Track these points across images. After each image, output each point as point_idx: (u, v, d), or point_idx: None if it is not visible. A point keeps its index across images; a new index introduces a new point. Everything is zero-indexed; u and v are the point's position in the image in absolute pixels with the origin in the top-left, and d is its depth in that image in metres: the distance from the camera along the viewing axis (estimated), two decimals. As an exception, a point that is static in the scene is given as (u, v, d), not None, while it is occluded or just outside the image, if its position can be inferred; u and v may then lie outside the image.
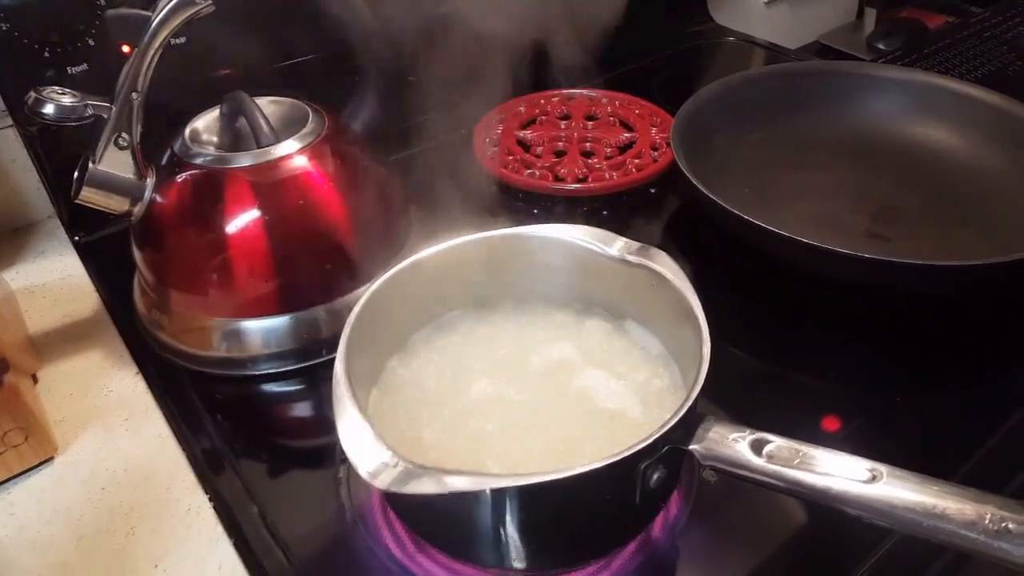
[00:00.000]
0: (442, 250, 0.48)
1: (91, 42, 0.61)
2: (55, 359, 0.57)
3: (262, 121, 0.54)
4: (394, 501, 0.45)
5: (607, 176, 0.73)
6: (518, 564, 0.41)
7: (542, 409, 0.45)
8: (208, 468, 0.49)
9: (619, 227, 0.69)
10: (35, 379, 0.55)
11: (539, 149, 0.77)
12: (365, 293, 0.44)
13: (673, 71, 0.95)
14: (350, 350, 0.41)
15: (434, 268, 0.48)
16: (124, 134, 0.52)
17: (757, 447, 0.36)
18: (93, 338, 0.59)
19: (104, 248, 0.68)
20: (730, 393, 0.52)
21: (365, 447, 0.36)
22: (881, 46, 1.09)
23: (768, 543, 0.44)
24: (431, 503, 0.40)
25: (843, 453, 0.35)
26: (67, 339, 0.59)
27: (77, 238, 0.69)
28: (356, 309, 0.43)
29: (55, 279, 0.66)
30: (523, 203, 0.72)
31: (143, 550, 0.44)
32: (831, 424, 0.50)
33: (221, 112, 0.57)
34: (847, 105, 0.78)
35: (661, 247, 0.48)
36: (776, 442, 0.36)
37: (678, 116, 0.70)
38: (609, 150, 0.77)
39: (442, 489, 0.34)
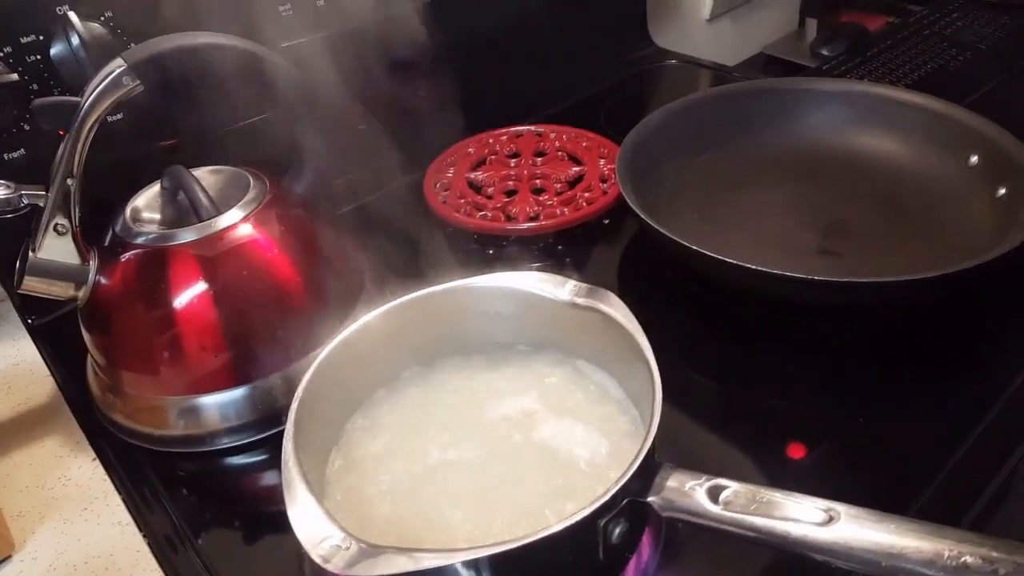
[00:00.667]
0: (388, 311, 0.48)
1: (26, 127, 0.60)
2: (10, 451, 0.56)
3: (201, 195, 0.53)
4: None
5: (558, 212, 0.73)
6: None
7: (502, 465, 0.45)
8: (170, 552, 0.48)
9: (574, 261, 0.70)
10: (-10, 474, 0.54)
11: (490, 190, 0.77)
12: (312, 364, 0.44)
13: (618, 99, 0.96)
14: (299, 427, 0.41)
15: (383, 329, 0.48)
16: (62, 220, 0.51)
17: (714, 494, 0.36)
18: (49, 425, 0.58)
19: (58, 330, 0.67)
20: (691, 423, 0.53)
21: (317, 529, 0.35)
22: (825, 52, 1.12)
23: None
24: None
25: (800, 495, 0.35)
26: (22, 428, 0.58)
27: (30, 321, 0.68)
28: (302, 383, 0.43)
29: (9, 365, 0.64)
30: (477, 245, 0.72)
31: (107, 648, 0.43)
32: (796, 451, 0.50)
33: (161, 187, 0.57)
34: (791, 121, 0.79)
35: (619, 277, 0.48)
36: (732, 487, 0.36)
37: (622, 148, 0.70)
38: (559, 185, 0.77)
39: (396, 568, 0.33)
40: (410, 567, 0.33)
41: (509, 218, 0.73)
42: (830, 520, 0.34)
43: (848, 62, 1.04)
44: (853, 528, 0.33)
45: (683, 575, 0.44)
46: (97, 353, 0.56)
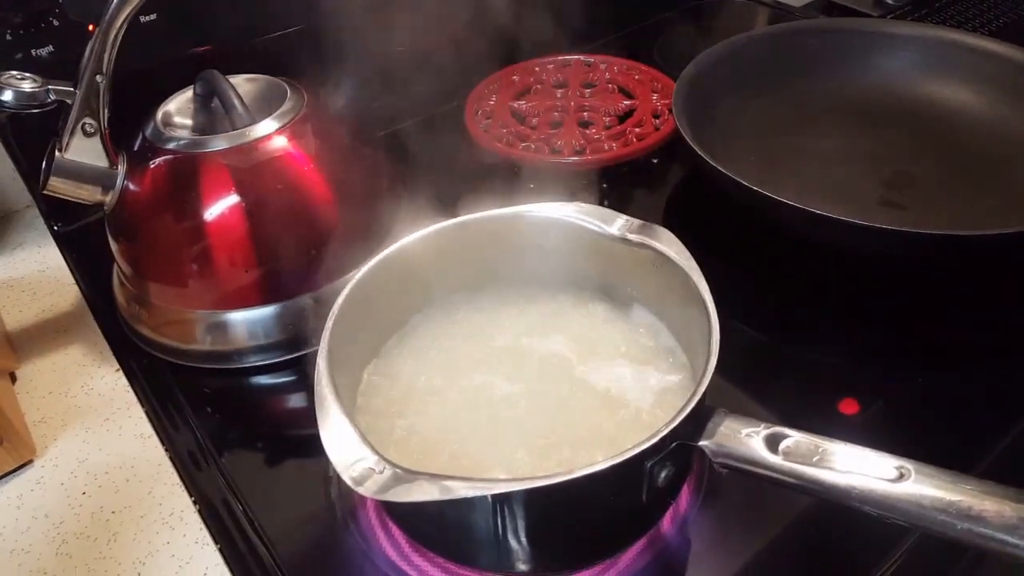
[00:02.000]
0: (428, 235, 0.45)
1: (55, 22, 0.57)
2: (34, 356, 0.55)
3: (236, 101, 0.51)
4: (387, 504, 0.43)
5: (606, 147, 0.69)
6: (521, 567, 0.38)
7: (540, 403, 0.43)
8: (192, 468, 0.47)
9: (620, 201, 0.67)
10: (13, 378, 0.53)
11: (534, 120, 0.74)
12: (347, 284, 0.41)
13: (674, 33, 0.91)
14: (333, 345, 0.39)
15: (420, 255, 0.45)
16: (90, 120, 0.48)
17: (772, 443, 0.34)
18: (73, 333, 0.57)
19: (84, 238, 0.65)
20: (742, 376, 0.50)
21: (349, 451, 0.33)
22: (890, 1, 1.05)
23: (783, 538, 0.41)
24: (423, 507, 0.38)
25: (866, 449, 0.32)
26: (46, 335, 0.57)
27: (56, 227, 0.67)
28: (339, 301, 0.41)
29: (34, 271, 0.63)
30: (518, 178, 0.69)
31: (125, 556, 0.42)
32: (849, 407, 0.47)
33: (194, 93, 0.54)
34: (857, 65, 0.74)
35: (665, 221, 0.45)
36: (794, 437, 0.33)
37: (680, 81, 0.66)
38: (608, 119, 0.73)
39: (429, 496, 0.31)
40: (445, 496, 0.31)
41: (553, 151, 0.70)
42: (901, 477, 0.31)
43: (914, 12, 0.98)
44: (926, 486, 0.30)
45: (720, 529, 0.42)
46: (124, 262, 0.54)
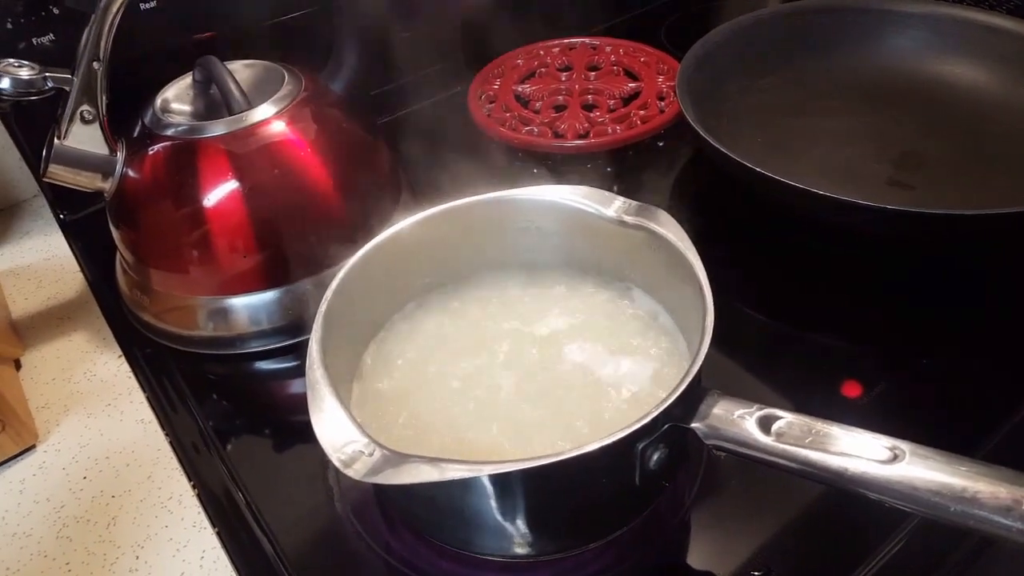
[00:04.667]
0: (422, 220, 0.45)
1: (56, 10, 0.58)
2: (38, 343, 0.55)
3: (233, 86, 0.51)
4: (378, 488, 0.43)
5: (610, 130, 0.68)
6: (515, 550, 0.38)
7: (536, 387, 0.42)
8: (192, 453, 0.47)
9: (624, 184, 0.66)
10: (18, 365, 0.54)
11: (538, 104, 0.73)
12: (341, 269, 0.41)
13: (681, 14, 0.90)
14: (326, 329, 0.39)
15: (415, 239, 0.45)
16: (89, 107, 0.49)
17: (765, 424, 0.33)
18: (77, 320, 0.57)
19: (90, 226, 0.66)
20: (740, 357, 0.50)
21: (339, 433, 0.34)
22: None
23: (782, 522, 0.41)
24: (414, 491, 0.38)
25: (860, 430, 0.32)
26: (51, 322, 0.57)
27: (62, 216, 0.67)
28: (332, 285, 0.41)
29: (40, 260, 0.64)
30: (522, 162, 0.68)
31: (124, 539, 0.42)
32: (851, 390, 0.47)
33: (193, 79, 0.54)
34: (866, 44, 0.72)
35: (671, 203, 0.44)
36: (786, 418, 0.33)
37: (684, 62, 0.65)
38: (612, 102, 0.72)
39: (418, 478, 0.31)
40: (435, 477, 0.31)
41: (557, 135, 0.69)
42: (894, 458, 0.30)
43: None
44: (919, 468, 0.30)
45: (718, 514, 0.42)
46: (125, 249, 0.54)
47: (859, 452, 0.31)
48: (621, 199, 0.45)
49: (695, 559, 0.40)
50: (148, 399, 0.50)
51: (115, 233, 0.54)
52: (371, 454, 0.32)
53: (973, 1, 0.92)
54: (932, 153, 0.63)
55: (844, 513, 0.41)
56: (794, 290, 0.55)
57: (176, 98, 0.54)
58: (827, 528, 0.41)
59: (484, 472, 0.32)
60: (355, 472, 0.32)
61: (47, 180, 0.49)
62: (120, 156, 0.51)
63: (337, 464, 0.32)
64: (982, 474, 0.29)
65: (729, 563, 0.39)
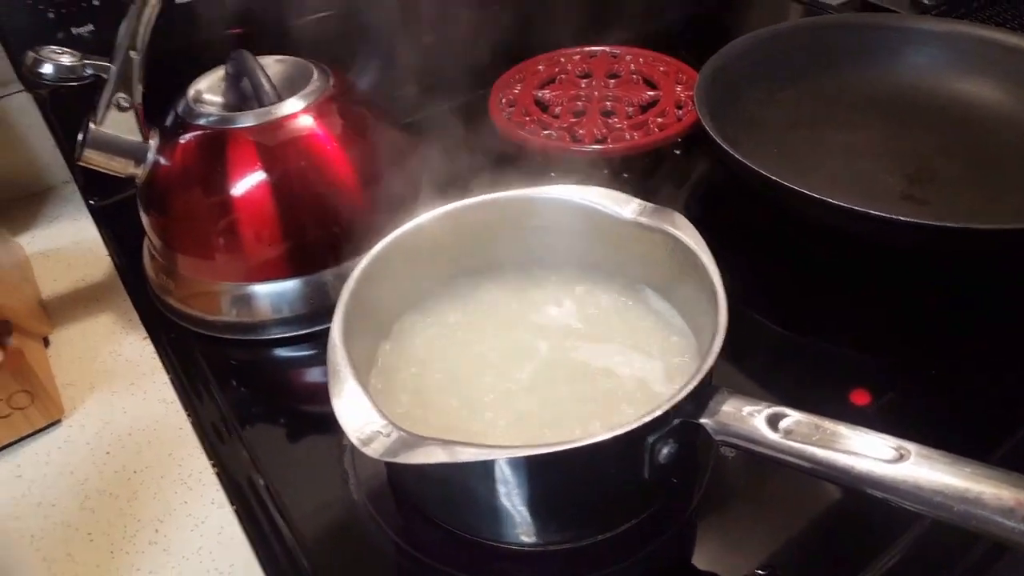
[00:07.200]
0: (441, 214, 0.46)
1: (95, 1, 0.59)
2: (66, 323, 0.57)
3: (263, 80, 0.52)
4: (393, 473, 0.44)
5: (627, 136, 0.70)
6: (524, 538, 0.40)
7: (549, 383, 0.44)
8: (212, 434, 0.48)
9: (640, 190, 0.66)
10: (46, 342, 0.55)
11: (557, 109, 0.74)
12: (363, 259, 0.42)
13: (702, 26, 0.91)
14: (348, 317, 0.40)
15: (434, 233, 0.46)
16: (125, 95, 0.50)
17: (773, 422, 0.34)
18: (104, 302, 0.59)
19: (118, 212, 0.67)
20: (752, 363, 0.50)
21: (359, 414, 0.35)
22: (926, 1, 1.03)
23: (788, 523, 0.41)
24: (426, 474, 0.39)
25: (867, 430, 0.33)
26: (79, 303, 0.59)
27: (92, 202, 0.69)
28: (354, 274, 0.42)
29: (69, 244, 0.65)
30: (540, 165, 0.70)
31: (145, 513, 0.44)
32: (860, 398, 0.47)
33: (225, 72, 0.56)
34: (885, 60, 0.73)
35: (685, 210, 0.45)
36: (794, 416, 0.34)
37: (703, 72, 0.66)
38: (631, 109, 0.73)
39: (432, 459, 0.32)
40: (449, 459, 0.32)
41: (575, 139, 0.70)
42: (900, 458, 0.31)
43: (951, 13, 0.96)
44: (924, 468, 0.31)
45: (726, 512, 0.43)
46: (153, 235, 0.56)
47: (865, 451, 0.32)
48: (637, 201, 0.46)
49: (701, 556, 0.41)
50: (171, 380, 0.52)
51: (144, 218, 0.56)
52: (388, 435, 0.34)
53: (993, 21, 0.93)
54: (946, 169, 0.64)
55: (850, 515, 0.42)
56: (806, 298, 0.56)
57: (208, 90, 0.56)
58: (833, 530, 0.41)
59: (497, 456, 0.33)
60: (373, 451, 0.33)
61: (81, 164, 0.51)
62: (153, 143, 0.52)
63: (356, 443, 0.33)
64: (986, 476, 0.30)
65: (734, 561, 0.40)
